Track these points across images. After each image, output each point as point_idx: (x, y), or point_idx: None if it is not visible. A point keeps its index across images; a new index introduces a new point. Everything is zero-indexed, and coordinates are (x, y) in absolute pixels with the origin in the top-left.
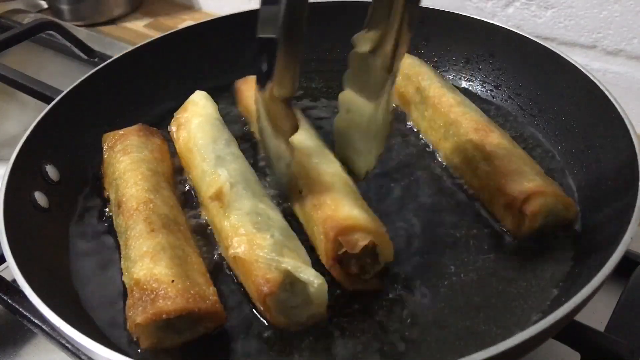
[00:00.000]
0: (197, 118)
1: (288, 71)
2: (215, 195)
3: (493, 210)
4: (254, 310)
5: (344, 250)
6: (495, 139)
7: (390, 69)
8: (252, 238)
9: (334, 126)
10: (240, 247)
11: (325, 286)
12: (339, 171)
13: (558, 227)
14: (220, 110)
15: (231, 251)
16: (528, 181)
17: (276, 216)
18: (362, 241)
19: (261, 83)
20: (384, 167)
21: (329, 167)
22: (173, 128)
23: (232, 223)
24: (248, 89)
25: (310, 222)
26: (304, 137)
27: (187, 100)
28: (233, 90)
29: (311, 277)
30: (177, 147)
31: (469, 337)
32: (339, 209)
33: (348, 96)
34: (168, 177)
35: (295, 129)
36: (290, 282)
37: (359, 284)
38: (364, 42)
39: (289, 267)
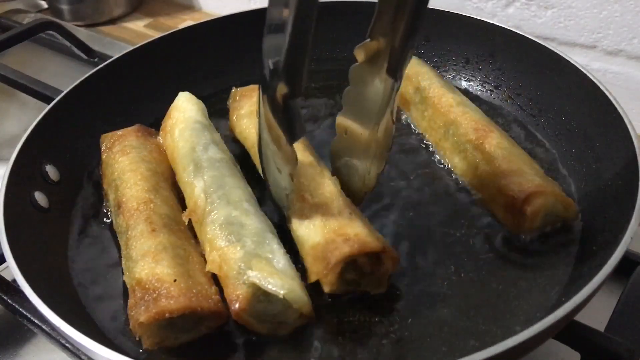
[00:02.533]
0: (178, 125)
1: (299, 64)
2: (191, 211)
3: (493, 210)
4: None
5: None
6: (495, 139)
7: (394, 74)
8: (224, 252)
9: (331, 149)
10: (214, 264)
11: (297, 290)
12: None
13: (558, 227)
14: (219, 112)
15: (207, 267)
16: (528, 181)
17: (250, 221)
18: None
19: (267, 84)
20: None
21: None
22: (160, 139)
23: (207, 238)
24: (239, 107)
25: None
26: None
27: (171, 106)
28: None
29: (276, 287)
30: (167, 155)
31: (469, 337)
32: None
33: (345, 122)
34: (167, 178)
35: (302, 131)
36: (263, 292)
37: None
38: (365, 51)
39: (256, 280)
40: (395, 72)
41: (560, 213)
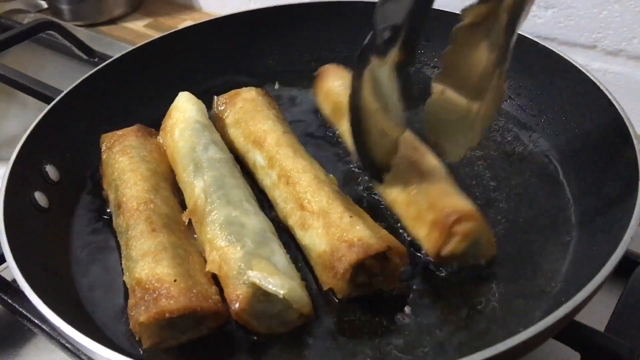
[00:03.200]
0: (179, 125)
1: (416, 33)
2: (191, 211)
3: (415, 229)
4: None
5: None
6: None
7: (505, 46)
8: (224, 252)
9: (424, 108)
10: (214, 264)
11: (297, 290)
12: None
13: (473, 261)
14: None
15: (207, 267)
16: (463, 204)
17: (250, 221)
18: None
19: (380, 51)
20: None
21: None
22: (160, 139)
23: (207, 238)
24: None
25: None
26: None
27: (171, 106)
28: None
29: (276, 287)
30: (167, 155)
31: (469, 337)
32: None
33: (442, 85)
34: (167, 178)
35: (413, 95)
36: (263, 292)
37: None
38: (473, 14)
39: (256, 280)
40: (514, 28)
41: (482, 247)
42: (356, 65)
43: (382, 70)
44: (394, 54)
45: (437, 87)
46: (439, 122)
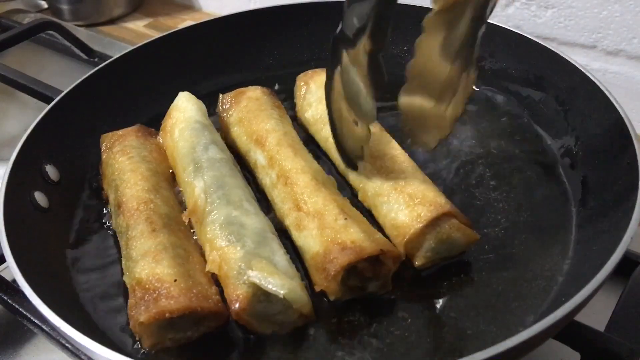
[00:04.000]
0: (179, 125)
1: (385, 22)
2: (191, 212)
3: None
4: None
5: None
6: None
7: (481, 18)
8: (224, 253)
9: (399, 100)
10: (214, 264)
11: (297, 290)
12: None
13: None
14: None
15: (207, 267)
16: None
17: (250, 221)
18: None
19: (351, 41)
20: None
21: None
22: (160, 139)
23: (207, 238)
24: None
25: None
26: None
27: (171, 106)
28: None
29: (276, 287)
30: (167, 155)
31: (469, 337)
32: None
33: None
34: (167, 178)
35: (384, 82)
36: (263, 292)
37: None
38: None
39: (256, 280)
40: (480, 23)
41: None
42: (329, 59)
43: (354, 61)
44: (364, 42)
45: (404, 99)
46: (412, 117)
